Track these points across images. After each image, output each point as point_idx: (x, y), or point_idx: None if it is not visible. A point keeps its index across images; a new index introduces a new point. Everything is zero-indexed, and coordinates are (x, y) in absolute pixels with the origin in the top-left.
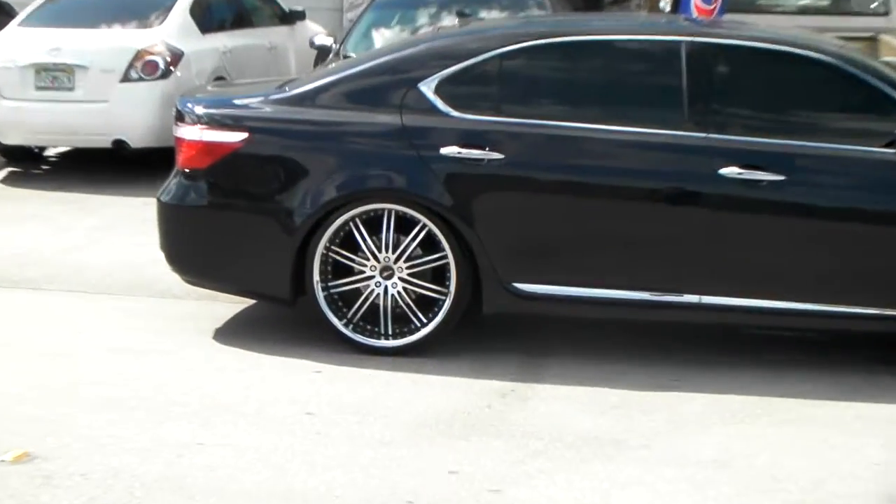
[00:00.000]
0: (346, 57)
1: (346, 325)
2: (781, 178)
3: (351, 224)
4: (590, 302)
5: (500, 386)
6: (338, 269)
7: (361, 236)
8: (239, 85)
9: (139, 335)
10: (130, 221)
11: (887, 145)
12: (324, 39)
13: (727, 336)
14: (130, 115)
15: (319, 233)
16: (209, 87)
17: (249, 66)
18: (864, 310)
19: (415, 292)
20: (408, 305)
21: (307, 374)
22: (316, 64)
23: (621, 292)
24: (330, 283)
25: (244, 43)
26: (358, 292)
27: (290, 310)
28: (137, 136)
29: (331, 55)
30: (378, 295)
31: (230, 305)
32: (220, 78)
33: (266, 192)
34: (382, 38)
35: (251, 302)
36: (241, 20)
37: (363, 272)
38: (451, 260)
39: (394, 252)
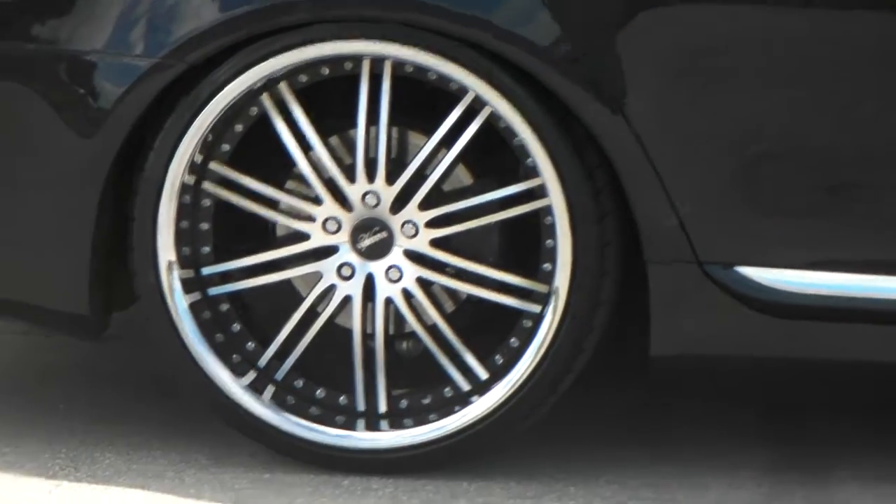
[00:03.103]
0: None
1: (254, 388)
2: None
3: (265, 102)
4: None
5: None
6: (230, 234)
7: (297, 135)
8: None
9: None
10: None
11: None
12: None
13: None
14: None
15: (173, 127)
16: None
17: None
18: None
19: (455, 297)
20: (434, 334)
21: None
22: None
23: None
24: (207, 272)
25: None
26: (291, 296)
27: (87, 348)
28: None
29: None
30: (347, 303)
31: None
32: None
33: (20, 14)
34: None
35: None
36: None
37: (304, 238)
38: (555, 202)
39: (391, 181)
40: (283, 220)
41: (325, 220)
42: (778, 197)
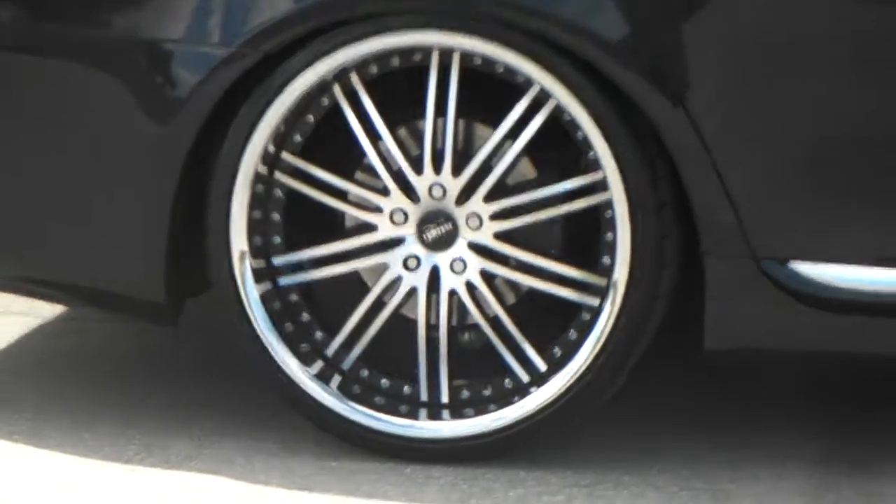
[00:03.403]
0: None
1: (322, 378)
2: None
3: (336, 91)
4: None
5: None
6: (300, 223)
7: (367, 126)
8: None
9: None
10: None
11: None
12: None
13: None
14: None
15: (247, 115)
16: None
17: None
18: None
19: (516, 288)
20: (496, 325)
21: None
22: None
23: None
24: (278, 261)
25: None
26: (357, 286)
27: (163, 334)
28: None
29: None
30: (413, 294)
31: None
32: None
33: (102, 5)
34: None
35: (47, 312)
36: None
37: (371, 228)
38: (616, 196)
39: (457, 173)
40: (351, 211)
41: (393, 212)
42: (834, 193)
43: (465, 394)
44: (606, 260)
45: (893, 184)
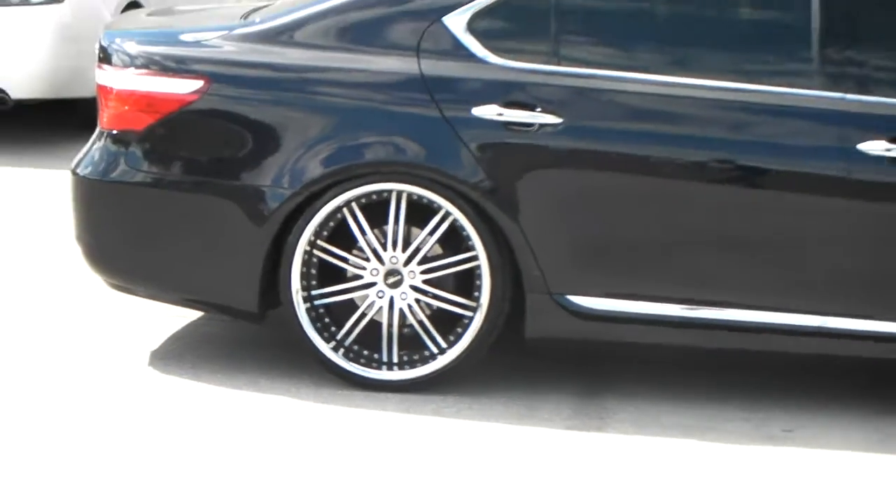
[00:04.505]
0: None
1: (334, 350)
2: None
3: (345, 211)
4: (676, 324)
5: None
6: (325, 274)
7: (359, 228)
8: (186, 14)
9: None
10: (28, 202)
11: None
12: None
13: (860, 369)
14: (10, 54)
15: (301, 222)
16: (145, 17)
17: None
18: None
19: (431, 307)
20: (421, 324)
21: (276, 414)
22: None
23: (719, 312)
24: (314, 293)
25: None
26: (352, 305)
27: (256, 327)
28: (20, 83)
29: None
30: (380, 309)
31: (171, 320)
32: (133, 5)
33: (227, 166)
34: None
35: (196, 315)
36: None
37: (360, 277)
38: (482, 262)
39: (404, 250)
40: (350, 269)
41: (371, 269)
42: (588, 265)
43: (405, 358)
44: (477, 294)
45: (614, 262)
